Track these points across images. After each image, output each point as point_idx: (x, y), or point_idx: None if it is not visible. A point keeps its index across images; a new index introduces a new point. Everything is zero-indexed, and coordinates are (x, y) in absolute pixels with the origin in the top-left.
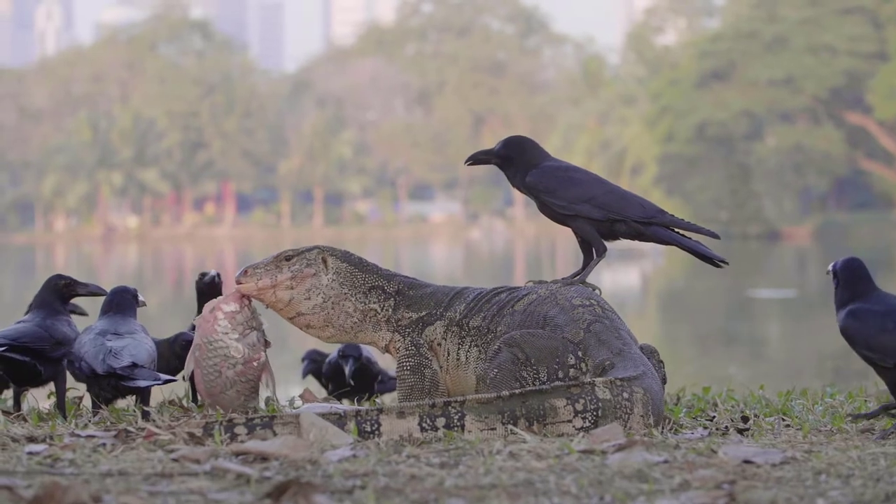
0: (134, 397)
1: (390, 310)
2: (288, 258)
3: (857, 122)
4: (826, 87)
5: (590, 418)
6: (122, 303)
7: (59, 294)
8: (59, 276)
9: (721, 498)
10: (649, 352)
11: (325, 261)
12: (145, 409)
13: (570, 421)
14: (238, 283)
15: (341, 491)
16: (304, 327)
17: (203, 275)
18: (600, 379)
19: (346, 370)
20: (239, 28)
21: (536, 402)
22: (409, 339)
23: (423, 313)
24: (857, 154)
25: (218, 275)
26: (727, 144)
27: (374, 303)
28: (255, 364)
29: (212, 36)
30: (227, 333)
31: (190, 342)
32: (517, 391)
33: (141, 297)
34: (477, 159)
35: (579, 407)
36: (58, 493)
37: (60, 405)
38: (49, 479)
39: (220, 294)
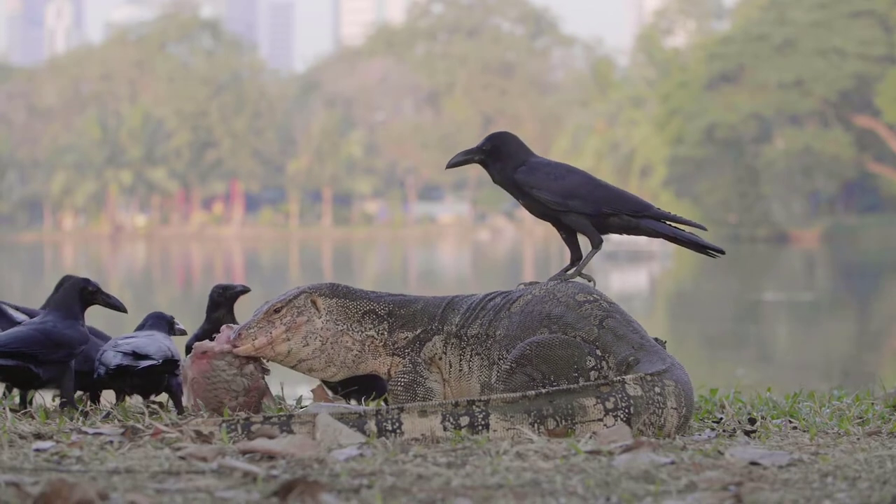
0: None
1: (386, 333)
2: (277, 310)
3: (865, 125)
4: (835, 89)
5: (622, 416)
6: (155, 326)
7: (82, 298)
8: (87, 282)
9: (728, 499)
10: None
11: (314, 303)
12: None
13: (601, 420)
14: (234, 346)
15: (348, 490)
16: (306, 371)
17: (226, 288)
18: (630, 376)
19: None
20: (248, 28)
21: (564, 402)
22: (408, 358)
23: (419, 331)
24: (865, 157)
25: (245, 289)
26: (736, 147)
27: (370, 329)
28: (255, 393)
29: (221, 36)
30: (224, 370)
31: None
32: (543, 390)
33: (179, 325)
34: (457, 162)
35: (610, 405)
36: (65, 490)
37: (70, 403)
38: (56, 477)
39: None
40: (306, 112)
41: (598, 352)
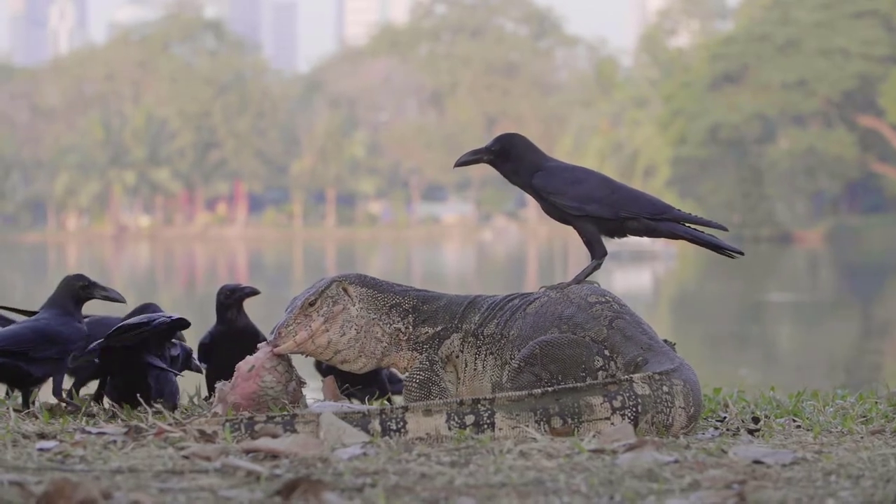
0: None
1: (411, 327)
2: (312, 303)
3: (869, 125)
4: (839, 90)
5: (629, 415)
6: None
7: (75, 295)
8: (79, 277)
9: (731, 498)
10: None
11: (346, 290)
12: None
13: (608, 418)
14: (275, 346)
15: (351, 489)
16: (339, 364)
17: (233, 290)
18: (638, 375)
19: None
20: (252, 28)
21: (571, 400)
22: (425, 354)
23: (440, 328)
24: (869, 157)
25: (254, 291)
26: (739, 147)
27: (398, 322)
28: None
29: (225, 36)
30: (272, 388)
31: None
32: (549, 389)
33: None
34: (465, 162)
35: (617, 404)
36: (68, 489)
37: (56, 394)
38: (59, 476)
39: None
40: (310, 112)
41: (607, 352)
